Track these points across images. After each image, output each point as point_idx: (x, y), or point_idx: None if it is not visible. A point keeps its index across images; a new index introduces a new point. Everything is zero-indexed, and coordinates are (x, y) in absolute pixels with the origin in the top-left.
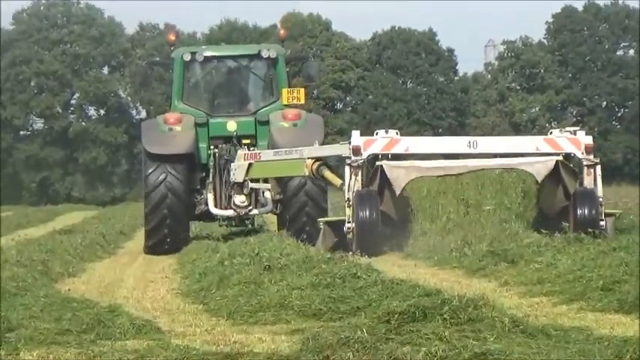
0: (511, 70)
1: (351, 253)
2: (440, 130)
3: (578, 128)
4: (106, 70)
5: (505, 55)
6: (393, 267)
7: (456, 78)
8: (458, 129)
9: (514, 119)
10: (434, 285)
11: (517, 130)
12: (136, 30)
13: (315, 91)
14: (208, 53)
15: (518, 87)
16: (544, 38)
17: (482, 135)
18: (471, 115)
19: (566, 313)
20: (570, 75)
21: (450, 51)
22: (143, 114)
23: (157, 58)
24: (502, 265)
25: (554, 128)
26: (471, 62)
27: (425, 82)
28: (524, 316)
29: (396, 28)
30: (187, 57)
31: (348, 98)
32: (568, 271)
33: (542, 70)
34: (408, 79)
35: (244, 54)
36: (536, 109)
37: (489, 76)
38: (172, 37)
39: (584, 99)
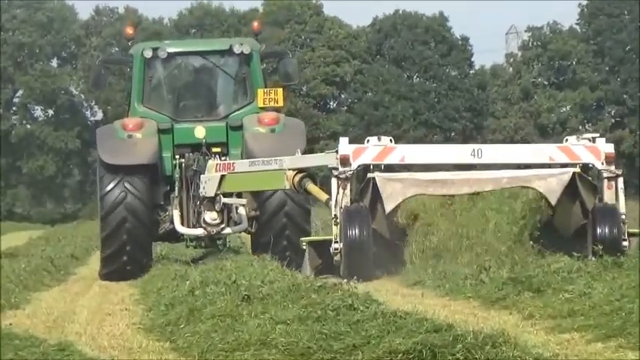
0: (537, 62)
1: (345, 280)
2: (452, 134)
3: (598, 135)
4: (55, 62)
5: (530, 44)
6: (395, 297)
7: (472, 72)
8: (474, 132)
9: (540, 120)
10: (444, 318)
11: (544, 133)
12: (91, 15)
13: (304, 88)
14: (172, 49)
15: (545, 82)
16: (576, 24)
17: (504, 140)
18: (490, 116)
19: (602, 352)
20: (607, 68)
21: (465, 39)
22: (99, 115)
23: (113, 55)
24: (526, 294)
25: (588, 132)
26: (489, 53)
27: (434, 77)
28: (552, 356)
29: (400, 12)
30: (148, 54)
31: (343, 96)
32: (604, 302)
33: (574, 62)
34: (415, 73)
35: (214, 50)
36: (567, 108)
37: (511, 69)
38: (130, 31)
39: (624, 96)
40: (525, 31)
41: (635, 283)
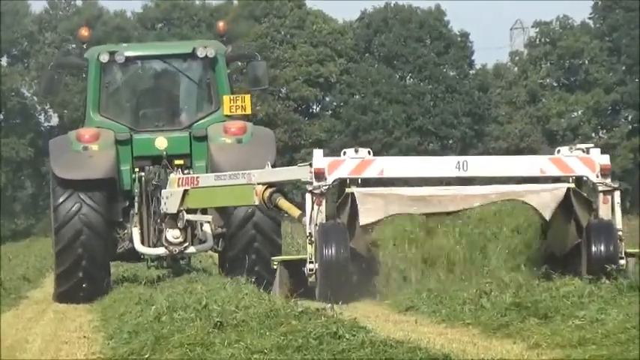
0: (545, 60)
1: (329, 305)
2: (450, 142)
3: (592, 146)
4: (4, 60)
5: (537, 40)
6: (386, 323)
7: (472, 72)
8: (474, 140)
9: (549, 126)
10: (440, 348)
11: (553, 140)
12: (45, 8)
13: (283, 89)
14: (131, 53)
15: (554, 83)
16: (589, 18)
17: (508, 148)
18: (492, 122)
19: None
20: (624, 67)
21: (464, 35)
22: (54, 120)
23: (68, 57)
24: (531, 321)
25: (602, 139)
26: (491, 51)
27: (430, 77)
28: None
29: (392, 4)
30: (105, 58)
31: (327, 98)
32: (619, 329)
33: (586, 62)
34: (408, 73)
35: (175, 53)
36: (579, 112)
37: (516, 69)
38: (85, 32)
39: None
40: (532, 26)
41: None
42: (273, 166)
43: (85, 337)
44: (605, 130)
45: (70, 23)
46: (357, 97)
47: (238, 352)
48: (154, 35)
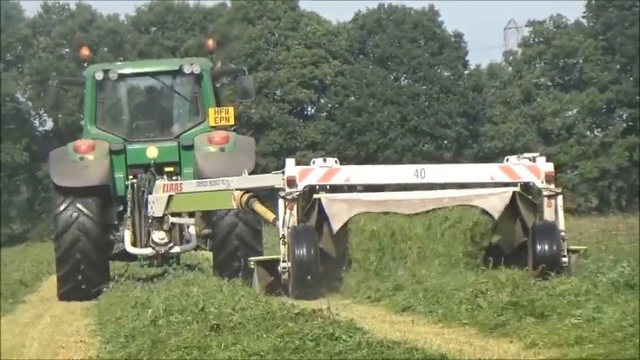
0: (539, 60)
1: (326, 307)
2: (445, 142)
3: (537, 155)
4: None
5: (531, 40)
6: (382, 324)
7: (466, 72)
8: (469, 140)
9: (544, 126)
10: (437, 348)
11: (548, 139)
12: (39, 12)
13: (278, 91)
14: (123, 70)
15: (549, 83)
16: (583, 17)
17: (503, 147)
18: (487, 122)
19: None
20: (619, 66)
21: (458, 36)
22: (49, 124)
23: (68, 78)
24: (528, 320)
25: (597, 137)
26: (485, 51)
27: (424, 78)
28: None
29: (386, 6)
30: (99, 75)
31: (322, 100)
32: (616, 328)
33: (580, 61)
34: (402, 74)
35: (164, 70)
36: (574, 112)
37: (510, 68)
38: (85, 52)
39: (638, 98)
40: (526, 25)
41: None
42: (253, 172)
43: (81, 341)
44: (600, 129)
45: (65, 27)
46: (352, 98)
47: (235, 354)
48: (148, 39)
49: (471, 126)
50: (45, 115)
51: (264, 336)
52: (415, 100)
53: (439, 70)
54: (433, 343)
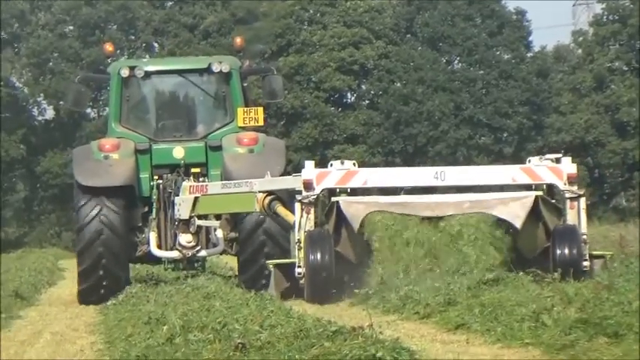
0: (614, 41)
1: (366, 324)
2: (505, 135)
3: (561, 155)
4: None
5: (605, 18)
6: (432, 344)
7: (530, 54)
8: (532, 132)
9: (618, 116)
10: None
11: (623, 132)
12: None
13: (313, 78)
14: (150, 68)
15: (624, 67)
16: None
17: (571, 141)
18: (553, 112)
19: None
20: None
21: (520, 13)
22: (49, 113)
23: (90, 74)
24: (600, 340)
25: None
26: (552, 30)
27: (481, 62)
28: None
29: None
30: (125, 72)
31: (363, 87)
32: None
33: None
34: (456, 57)
35: (192, 68)
36: None
37: (580, 50)
38: (110, 48)
39: None
40: (598, 1)
41: None
42: (286, 173)
43: None
44: None
45: (67, 2)
46: (398, 84)
47: None
48: (164, 15)
49: (534, 116)
50: (44, 102)
51: (297, 357)
52: (470, 86)
53: (498, 53)
54: None
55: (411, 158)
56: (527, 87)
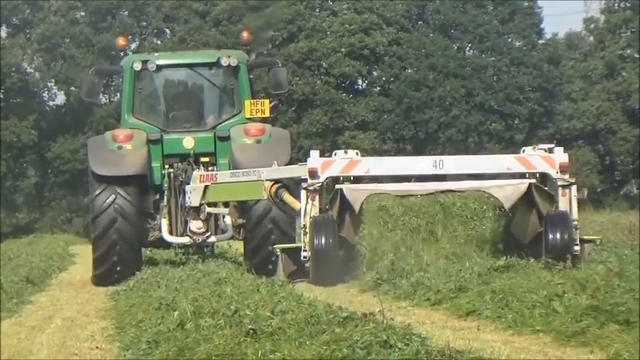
0: (626, 28)
1: (377, 310)
2: (516, 122)
3: (553, 145)
4: (3, 31)
5: (617, 5)
6: (443, 330)
7: (541, 42)
8: (544, 119)
9: (630, 104)
10: (506, 358)
11: (634, 120)
12: None
13: (323, 64)
14: (161, 61)
15: (636, 55)
16: None
17: (583, 128)
18: (565, 99)
19: None
20: None
21: (532, 0)
22: (60, 98)
23: (104, 66)
24: (611, 327)
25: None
26: (564, 18)
27: (493, 48)
28: None
29: None
30: (138, 66)
31: (374, 73)
32: None
33: None
34: (467, 44)
35: (201, 62)
36: None
37: (592, 38)
38: (122, 42)
39: None
40: None
41: None
42: (295, 160)
43: (97, 347)
44: None
45: None
46: (409, 71)
47: None
48: (174, 2)
49: (546, 103)
50: (55, 87)
51: (308, 343)
52: (482, 73)
53: (509, 40)
54: (502, 353)
55: (422, 144)
56: (539, 74)
